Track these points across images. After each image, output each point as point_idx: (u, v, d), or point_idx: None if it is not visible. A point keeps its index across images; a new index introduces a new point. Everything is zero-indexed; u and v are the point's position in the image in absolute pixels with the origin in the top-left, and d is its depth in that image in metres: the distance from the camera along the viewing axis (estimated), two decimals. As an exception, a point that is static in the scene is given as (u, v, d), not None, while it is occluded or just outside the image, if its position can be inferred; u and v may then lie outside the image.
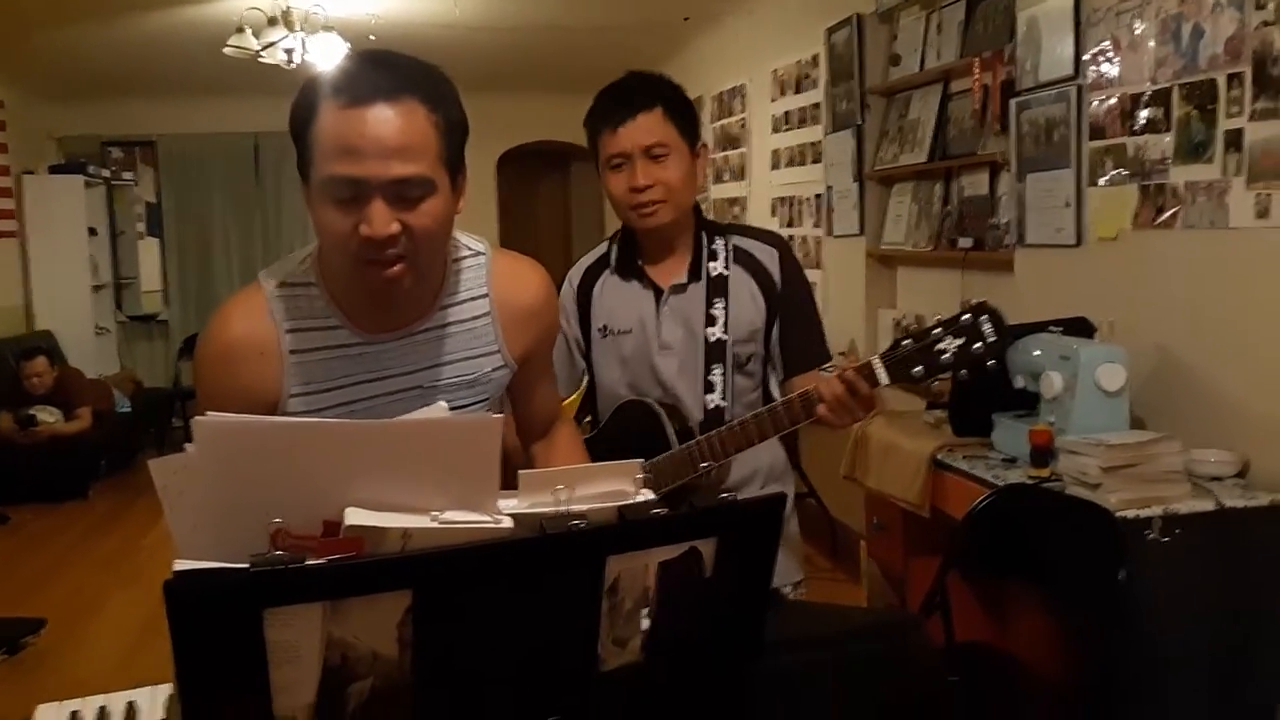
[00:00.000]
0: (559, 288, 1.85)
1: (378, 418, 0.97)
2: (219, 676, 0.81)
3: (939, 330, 1.53)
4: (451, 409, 1.32)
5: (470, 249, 1.38)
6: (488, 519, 0.89)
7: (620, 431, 1.88)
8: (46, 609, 4.04)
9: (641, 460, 1.03)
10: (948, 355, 1.51)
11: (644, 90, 1.80)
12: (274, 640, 0.80)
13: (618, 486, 0.96)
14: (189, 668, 0.79)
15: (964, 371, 1.54)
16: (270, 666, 0.81)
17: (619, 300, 1.89)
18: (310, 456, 0.86)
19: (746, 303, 1.84)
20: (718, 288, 1.83)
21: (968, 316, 1.51)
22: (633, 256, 1.89)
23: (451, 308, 1.34)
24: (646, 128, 1.76)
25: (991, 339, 1.50)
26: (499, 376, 1.39)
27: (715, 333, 1.81)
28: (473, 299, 1.36)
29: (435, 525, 0.87)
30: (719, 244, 1.86)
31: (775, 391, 1.88)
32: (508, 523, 0.90)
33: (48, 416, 6.19)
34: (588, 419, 2.00)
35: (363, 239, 1.15)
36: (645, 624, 0.97)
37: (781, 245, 1.90)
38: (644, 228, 1.82)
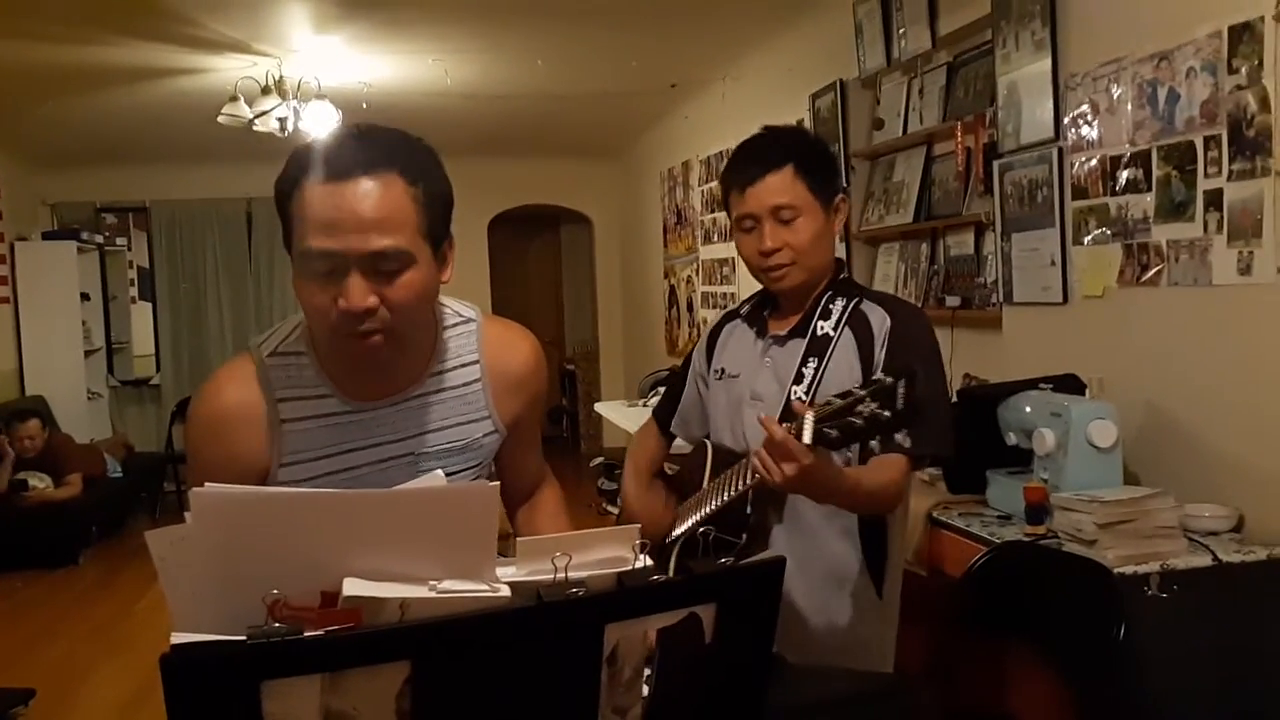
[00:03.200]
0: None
1: (369, 485, 0.98)
2: (216, 751, 0.80)
3: (862, 392, 1.38)
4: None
5: (461, 315, 1.39)
6: (485, 588, 0.89)
7: (694, 479, 1.86)
8: (35, 678, 3.98)
9: (639, 525, 1.02)
10: (860, 420, 1.36)
11: (774, 148, 1.73)
12: (272, 712, 0.80)
13: (616, 553, 0.96)
14: (186, 742, 0.79)
15: (874, 442, 1.42)
16: (268, 740, 0.80)
17: (737, 346, 1.88)
18: (308, 527, 0.86)
19: (842, 369, 1.71)
20: (818, 347, 1.73)
21: (889, 379, 1.37)
22: (764, 306, 1.85)
23: (442, 374, 1.35)
24: (775, 188, 1.69)
25: (899, 406, 1.34)
26: (489, 442, 1.40)
27: (798, 392, 1.70)
28: (463, 365, 1.37)
29: (433, 595, 0.87)
30: (838, 304, 1.76)
31: None
32: (505, 591, 0.90)
33: (38, 482, 6.15)
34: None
35: (341, 312, 1.17)
36: (646, 692, 0.97)
37: (900, 313, 1.75)
38: (775, 290, 1.79)
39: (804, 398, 1.68)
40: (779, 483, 1.44)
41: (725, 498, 1.65)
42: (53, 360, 7.21)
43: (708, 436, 1.93)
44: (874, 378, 1.39)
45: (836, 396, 1.41)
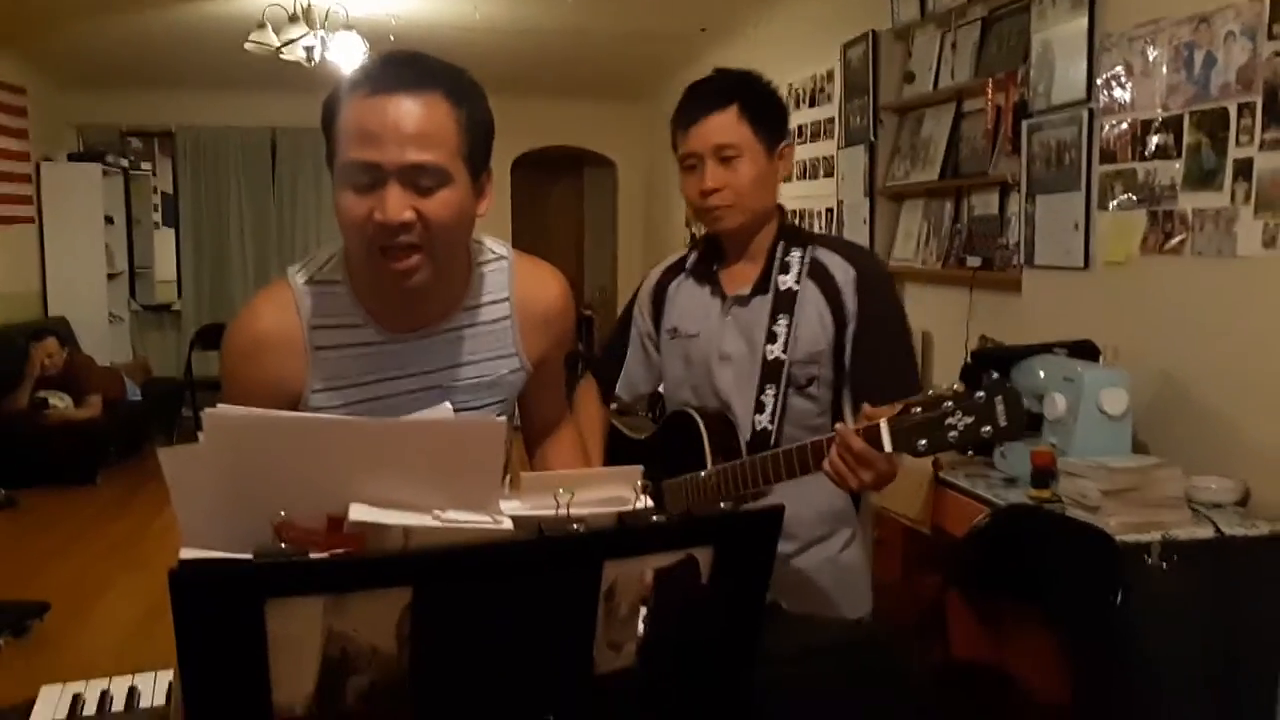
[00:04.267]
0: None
1: (397, 415, 1.00)
2: (220, 665, 0.83)
3: (949, 404, 1.39)
4: (469, 410, 1.34)
5: (495, 253, 1.40)
6: (488, 519, 0.91)
7: (668, 441, 1.85)
8: (51, 592, 4.07)
9: (642, 467, 1.04)
10: (955, 433, 1.38)
11: (720, 89, 1.72)
12: (275, 631, 0.82)
13: (618, 492, 0.98)
14: (191, 655, 0.81)
15: (969, 451, 1.45)
16: (271, 657, 0.83)
17: (690, 303, 1.85)
18: (317, 452, 0.88)
19: (813, 322, 1.73)
20: (785, 303, 1.73)
21: (982, 395, 1.38)
22: (710, 261, 1.83)
23: (474, 309, 1.36)
24: (717, 127, 1.68)
25: (1003, 423, 1.36)
26: (515, 379, 1.41)
27: (774, 351, 1.72)
28: (494, 302, 1.38)
29: (436, 524, 0.89)
30: (795, 255, 1.75)
31: (849, 420, 1.69)
32: (508, 524, 0.92)
33: (58, 401, 6.23)
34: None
35: (377, 224, 1.18)
36: (641, 629, 0.99)
37: (865, 265, 1.76)
38: (713, 231, 1.79)
39: (783, 356, 1.71)
40: (854, 488, 1.47)
41: (765, 480, 1.60)
42: (75, 282, 7.26)
43: (654, 395, 1.94)
44: (959, 389, 1.39)
45: (917, 406, 1.41)
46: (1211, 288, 2.51)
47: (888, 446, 1.41)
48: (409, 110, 1.17)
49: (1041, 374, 2.59)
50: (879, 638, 1.64)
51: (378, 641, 0.86)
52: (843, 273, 1.74)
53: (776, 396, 1.72)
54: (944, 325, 4.01)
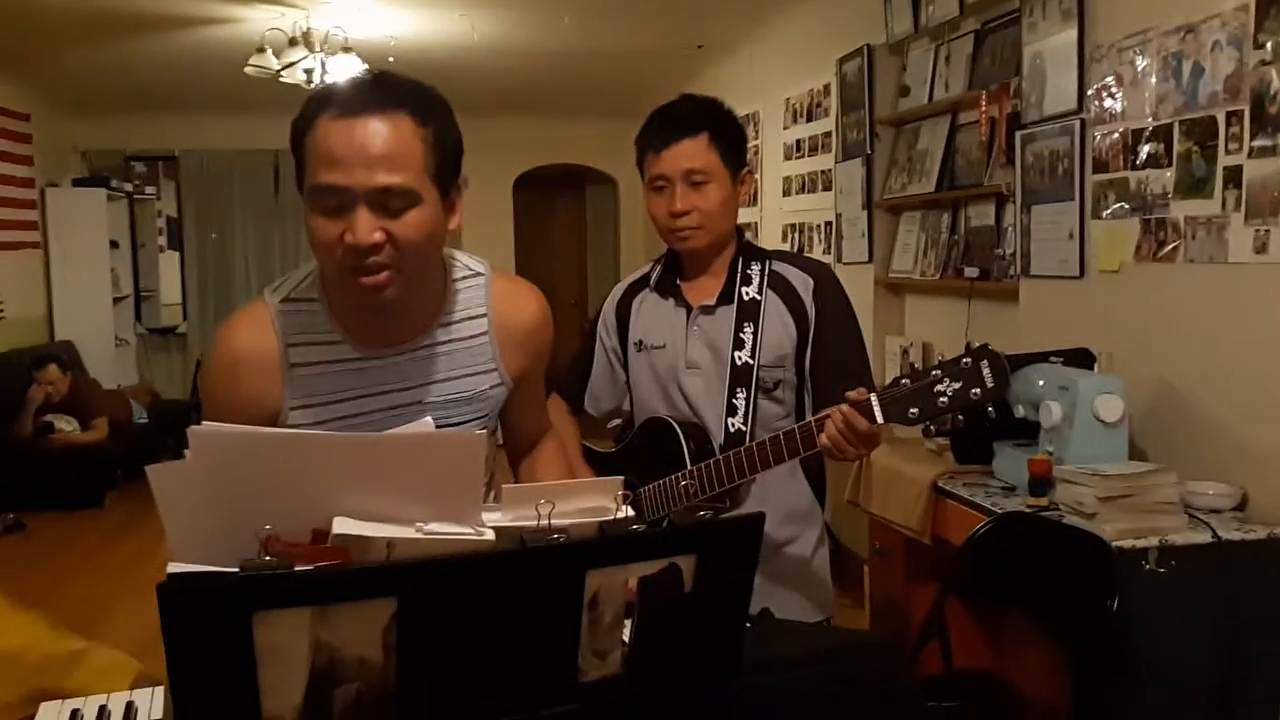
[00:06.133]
0: (597, 304, 1.89)
1: (376, 430, 1.01)
2: (209, 676, 0.84)
3: (938, 372, 1.50)
4: (449, 425, 1.36)
5: (471, 270, 1.42)
6: (470, 531, 0.92)
7: (644, 448, 1.90)
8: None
9: (622, 478, 1.06)
10: (944, 399, 1.48)
11: (691, 115, 1.80)
12: (263, 642, 0.83)
13: (599, 503, 0.99)
14: (180, 667, 0.82)
15: (960, 416, 1.52)
16: (259, 668, 0.84)
17: (654, 316, 1.92)
18: (301, 467, 0.89)
19: (777, 327, 1.83)
20: (749, 311, 1.82)
21: (968, 360, 1.49)
22: (672, 275, 1.91)
23: (450, 325, 1.38)
24: (689, 153, 1.77)
25: (990, 385, 1.46)
26: (495, 394, 1.43)
27: (742, 356, 1.81)
28: (471, 318, 1.39)
29: (419, 536, 0.90)
30: (755, 268, 1.85)
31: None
32: (490, 535, 0.93)
33: (65, 425, 6.27)
34: (616, 422, 2.03)
35: (348, 247, 1.20)
36: (626, 637, 1.00)
37: (820, 274, 1.87)
38: (679, 250, 1.86)
39: (750, 361, 1.81)
40: (850, 458, 1.61)
41: (753, 468, 1.69)
42: (81, 307, 7.31)
43: (618, 408, 2.00)
44: (945, 359, 1.51)
45: (904, 379, 1.53)
46: (1204, 294, 2.53)
47: (880, 419, 1.54)
48: (375, 132, 1.18)
49: (1041, 382, 2.59)
50: (864, 645, 1.65)
51: (364, 652, 0.87)
52: (802, 283, 1.85)
53: (748, 399, 1.81)
54: (943, 336, 4.03)
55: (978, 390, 1.47)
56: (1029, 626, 2.40)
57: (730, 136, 1.82)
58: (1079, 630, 2.19)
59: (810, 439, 1.62)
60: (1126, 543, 2.19)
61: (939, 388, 1.48)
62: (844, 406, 1.57)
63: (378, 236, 1.19)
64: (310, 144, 1.21)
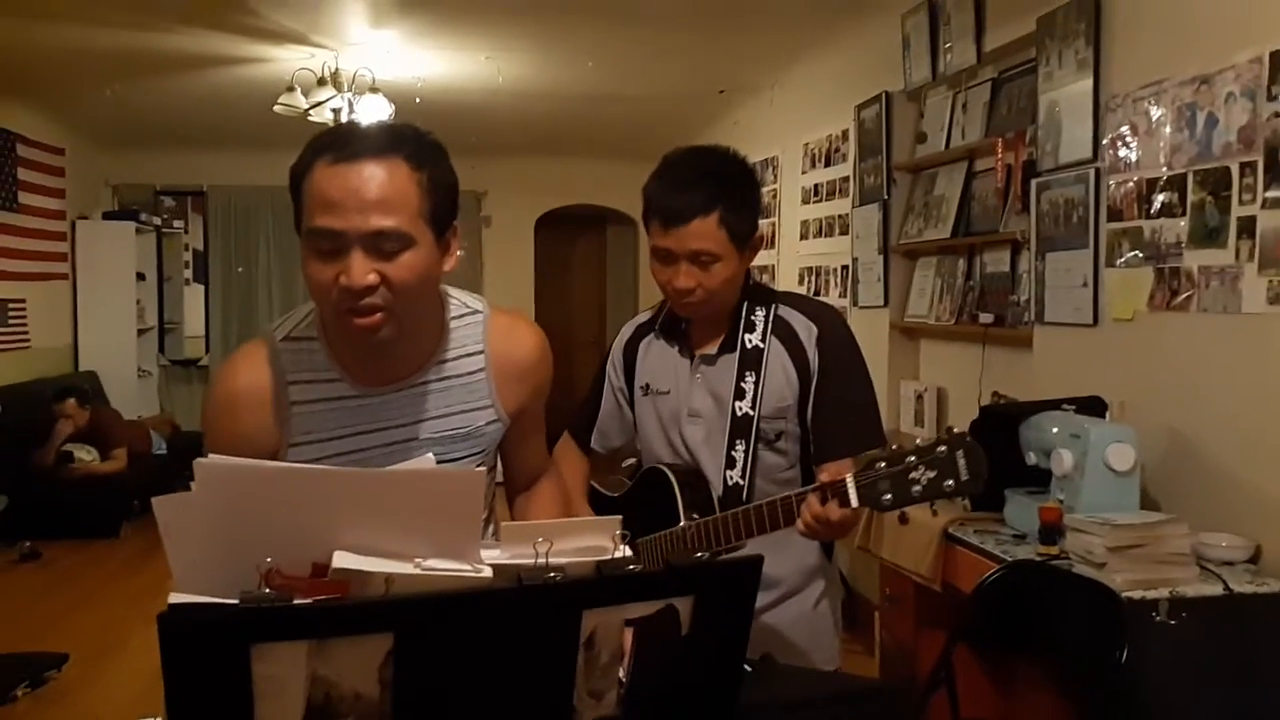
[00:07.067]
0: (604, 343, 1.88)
1: (374, 466, 1.02)
2: (207, 706, 0.85)
3: (912, 459, 1.44)
4: (447, 462, 1.38)
5: (468, 307, 1.44)
6: (468, 568, 0.93)
7: (642, 497, 1.87)
8: (71, 644, 4.11)
9: (620, 518, 1.06)
10: (918, 488, 1.43)
11: (702, 187, 1.69)
12: (260, 674, 0.84)
13: (597, 542, 1.00)
14: (178, 697, 0.84)
15: (932, 505, 1.47)
16: (256, 700, 0.85)
17: (660, 361, 1.89)
18: (302, 501, 0.91)
19: (779, 377, 1.77)
20: (751, 360, 1.77)
21: (943, 449, 1.42)
22: (678, 320, 1.86)
23: (446, 363, 1.40)
24: (697, 234, 1.68)
25: (964, 478, 1.40)
26: (492, 431, 1.44)
27: (743, 407, 1.76)
28: (468, 354, 1.41)
29: (418, 571, 0.91)
30: (759, 314, 1.80)
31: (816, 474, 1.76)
32: (488, 572, 0.94)
33: (85, 455, 6.32)
34: (631, 461, 2.02)
35: (342, 288, 1.22)
36: (622, 678, 1.00)
37: (825, 321, 1.80)
38: (682, 314, 1.83)
39: (751, 412, 1.76)
40: (824, 538, 1.63)
41: (737, 536, 1.67)
42: (106, 338, 7.41)
43: (621, 448, 1.99)
44: (923, 444, 1.45)
45: (880, 461, 1.47)
46: (1218, 344, 2.52)
47: (854, 502, 1.49)
48: (370, 176, 1.21)
49: (1053, 430, 2.59)
50: (882, 690, 1.64)
51: (360, 686, 0.88)
52: (805, 330, 1.79)
53: (747, 452, 1.77)
54: (958, 382, 4.02)
55: (951, 483, 1.41)
56: (1038, 676, 2.38)
57: (743, 211, 1.72)
58: (1088, 681, 2.17)
59: (791, 515, 1.58)
60: (1137, 593, 2.17)
61: (913, 475, 1.43)
62: (813, 499, 1.53)
63: (371, 279, 1.22)
64: (307, 188, 1.24)
